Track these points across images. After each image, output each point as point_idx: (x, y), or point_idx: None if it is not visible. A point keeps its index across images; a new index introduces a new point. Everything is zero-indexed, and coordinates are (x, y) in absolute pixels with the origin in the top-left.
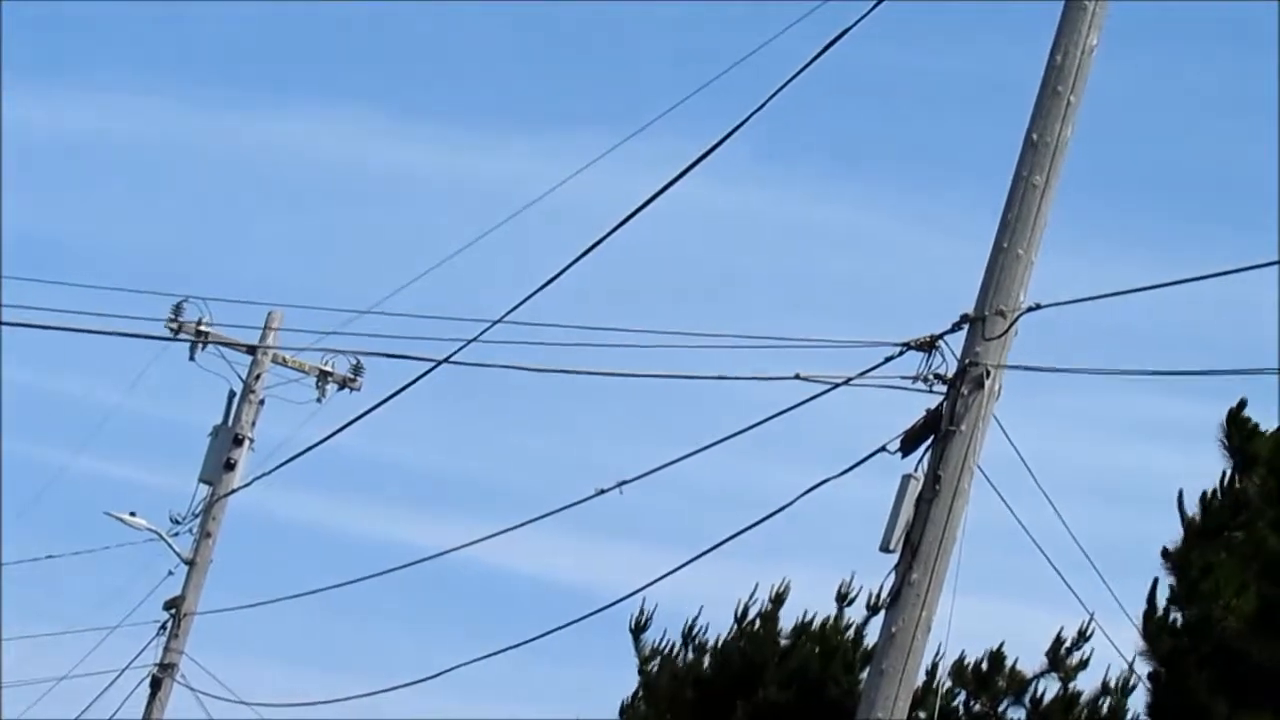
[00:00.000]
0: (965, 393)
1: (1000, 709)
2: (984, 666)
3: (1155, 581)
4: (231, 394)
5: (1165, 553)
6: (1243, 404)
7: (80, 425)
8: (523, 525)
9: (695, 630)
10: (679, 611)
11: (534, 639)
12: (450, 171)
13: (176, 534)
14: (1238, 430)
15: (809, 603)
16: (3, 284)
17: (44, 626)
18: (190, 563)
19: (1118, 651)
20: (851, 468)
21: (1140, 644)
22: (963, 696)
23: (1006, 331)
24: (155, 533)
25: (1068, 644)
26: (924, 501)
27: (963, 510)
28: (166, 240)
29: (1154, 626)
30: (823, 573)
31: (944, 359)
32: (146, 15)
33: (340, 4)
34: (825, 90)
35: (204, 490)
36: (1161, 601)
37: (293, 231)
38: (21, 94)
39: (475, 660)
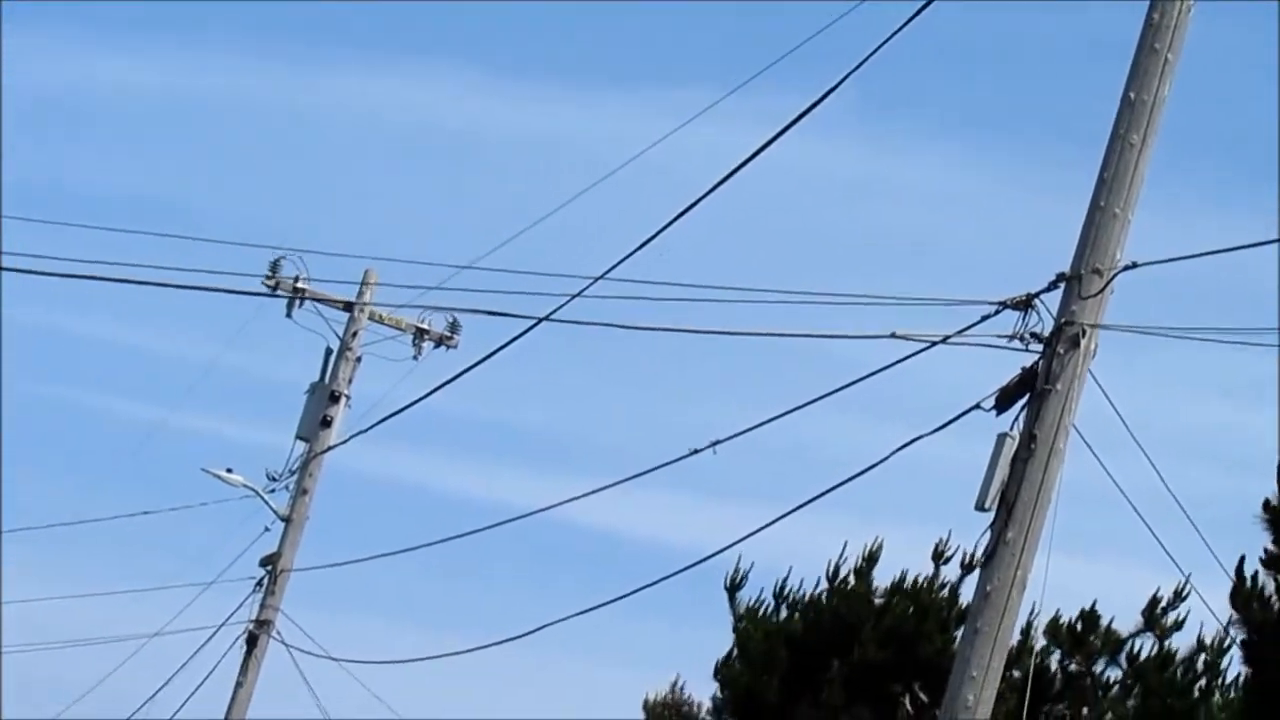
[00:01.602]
0: (1061, 351)
1: (1095, 668)
2: (1078, 626)
3: (1243, 558)
4: (328, 351)
5: (1267, 504)
6: None
7: (178, 382)
8: (618, 484)
9: (789, 589)
10: (773, 570)
11: (628, 594)
12: (549, 128)
13: (273, 491)
14: None
15: (903, 561)
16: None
17: (139, 582)
18: (287, 519)
19: (1211, 612)
20: (945, 425)
21: (1231, 612)
22: (1057, 655)
23: (1103, 290)
24: (252, 489)
25: (1163, 603)
26: (1019, 460)
27: (1058, 469)
28: (264, 197)
29: (1243, 598)
30: (917, 531)
31: (1040, 317)
32: None
33: None
34: (924, 48)
35: (301, 447)
36: (1251, 569)
37: (390, 188)
38: (119, 52)
39: (569, 617)
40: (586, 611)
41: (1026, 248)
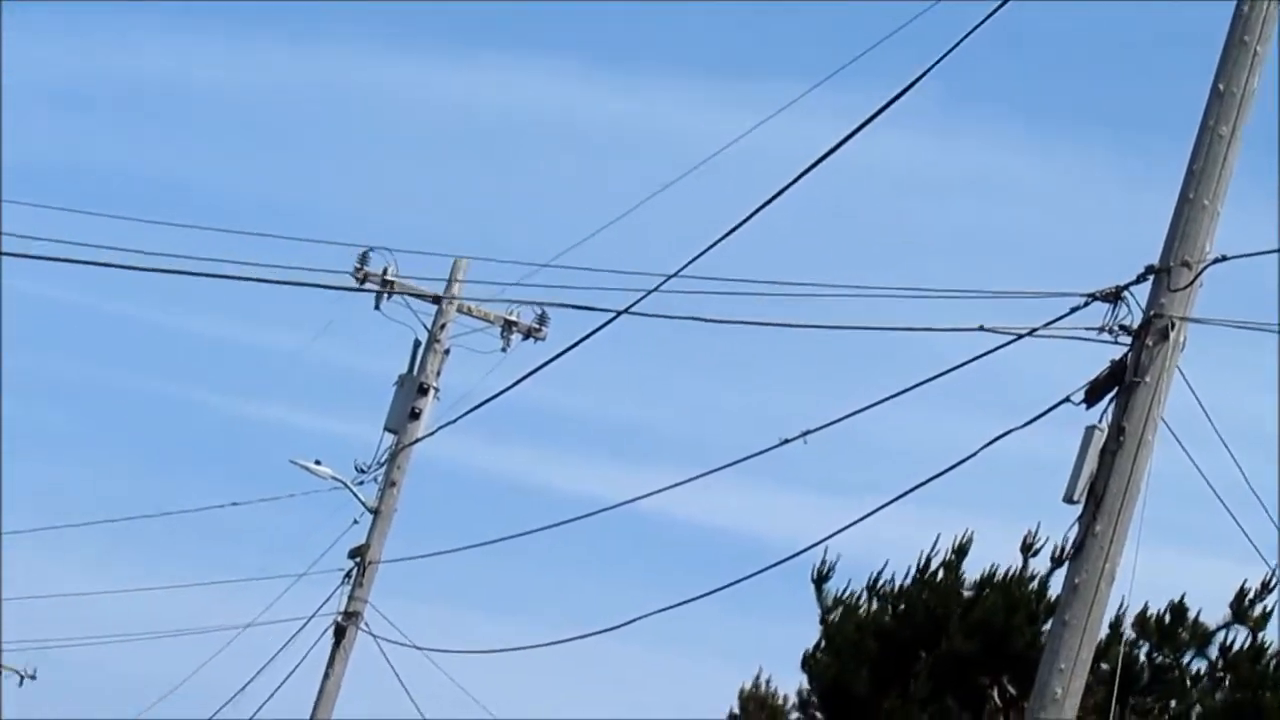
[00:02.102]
0: (1150, 344)
1: (1183, 660)
2: (1166, 618)
3: None
4: (417, 343)
5: None
6: None
7: (268, 374)
8: (705, 475)
9: (878, 581)
10: (859, 561)
11: (723, 588)
12: (637, 121)
13: (361, 482)
14: None
15: (992, 554)
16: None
17: (229, 574)
18: (375, 511)
19: None
20: (1036, 419)
21: None
22: (1146, 648)
23: (1192, 283)
24: (340, 481)
25: (1250, 595)
26: (1108, 453)
27: (1146, 462)
28: (353, 190)
29: None
30: (1006, 524)
31: (1129, 310)
32: None
33: None
34: (1008, 42)
35: (389, 439)
36: None
37: (479, 181)
38: (208, 46)
39: (664, 610)
40: (682, 604)
41: (1116, 239)
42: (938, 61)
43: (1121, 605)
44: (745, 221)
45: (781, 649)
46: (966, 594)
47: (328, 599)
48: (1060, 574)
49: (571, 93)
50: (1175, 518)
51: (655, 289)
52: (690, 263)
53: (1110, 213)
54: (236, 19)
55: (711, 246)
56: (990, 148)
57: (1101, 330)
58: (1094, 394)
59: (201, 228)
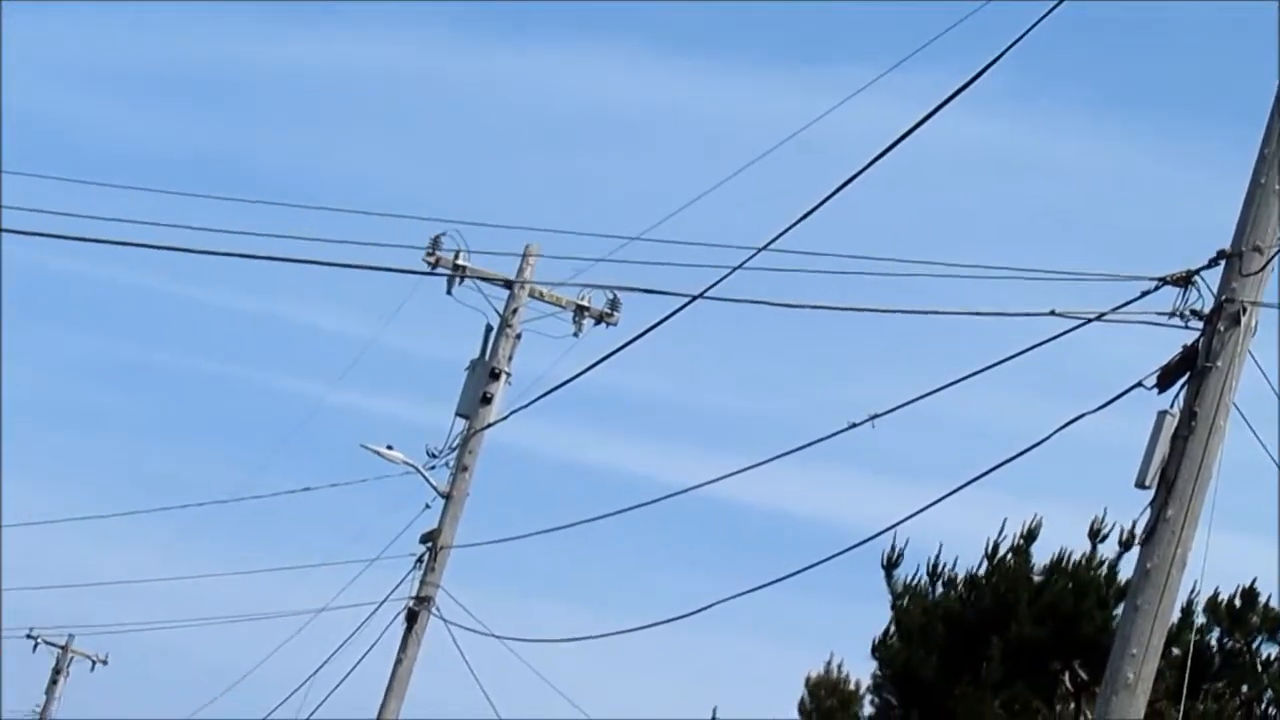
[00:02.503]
0: (1221, 329)
1: (1254, 645)
2: (1237, 603)
3: None
4: (488, 328)
5: None
6: None
7: (339, 359)
8: (775, 459)
9: (946, 566)
10: (929, 546)
11: (794, 574)
12: (708, 106)
13: (433, 467)
14: None
15: (1059, 538)
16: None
17: (301, 559)
18: (447, 496)
19: None
20: (1109, 403)
21: None
22: (1217, 633)
23: (1263, 268)
24: (412, 466)
25: None
26: (1180, 438)
27: (1218, 447)
28: (424, 174)
29: None
30: (1073, 509)
31: (1200, 295)
32: None
33: None
34: (1080, 24)
35: (461, 424)
36: None
37: (551, 166)
38: (281, 30)
39: (738, 595)
40: (755, 590)
41: (1187, 223)
42: (1015, 42)
43: (1193, 590)
44: (820, 205)
45: (853, 634)
46: (1036, 579)
47: (399, 584)
48: (1129, 559)
49: (644, 77)
50: (1246, 502)
51: (732, 272)
52: (766, 246)
53: (1182, 197)
54: (310, 3)
55: (787, 230)
56: (1062, 130)
57: (1172, 315)
58: (1167, 379)
59: (272, 202)
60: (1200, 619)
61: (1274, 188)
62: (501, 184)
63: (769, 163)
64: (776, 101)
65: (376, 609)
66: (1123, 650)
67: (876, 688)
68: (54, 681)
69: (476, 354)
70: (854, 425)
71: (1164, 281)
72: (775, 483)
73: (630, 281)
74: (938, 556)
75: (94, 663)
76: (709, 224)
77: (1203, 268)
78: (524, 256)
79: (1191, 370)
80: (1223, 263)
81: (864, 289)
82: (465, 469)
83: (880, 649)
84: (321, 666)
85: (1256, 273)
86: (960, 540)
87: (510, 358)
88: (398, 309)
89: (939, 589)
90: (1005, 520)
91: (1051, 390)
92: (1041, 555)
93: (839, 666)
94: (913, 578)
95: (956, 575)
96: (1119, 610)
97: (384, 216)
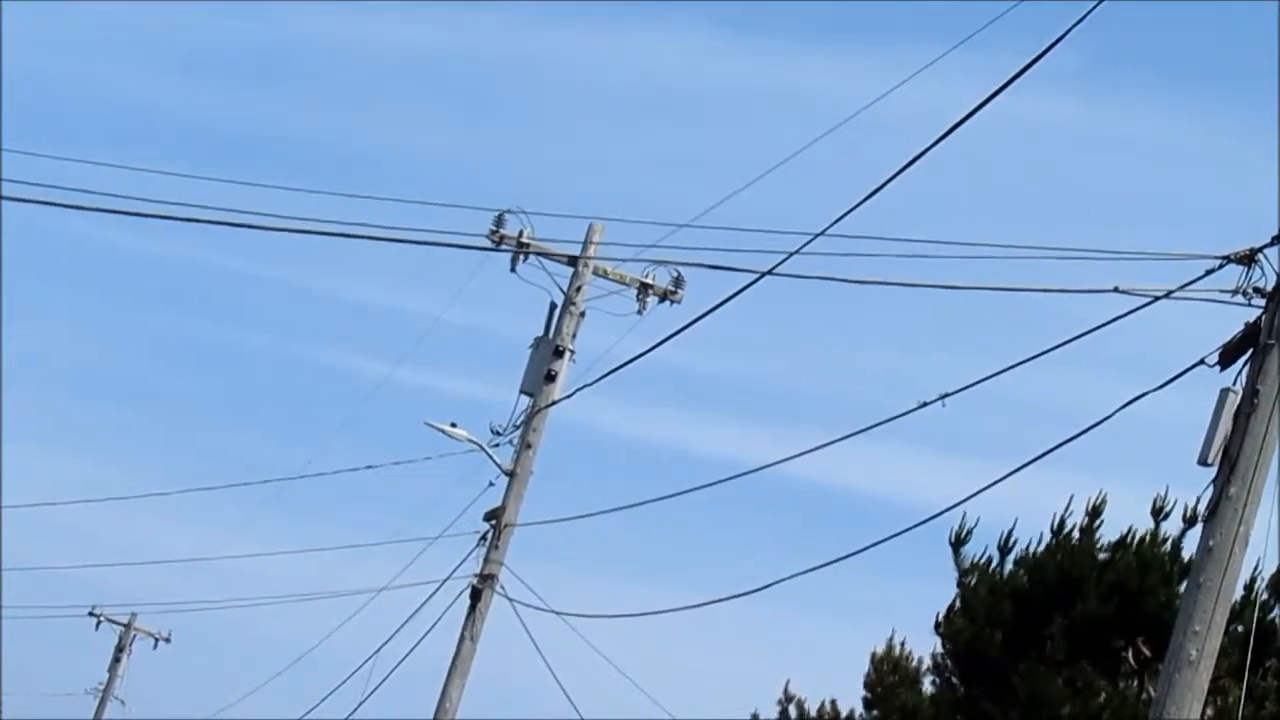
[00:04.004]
0: None
1: None
2: None
3: None
4: (552, 306)
5: None
6: None
7: (403, 336)
8: (844, 439)
9: (1012, 543)
10: (995, 523)
11: (862, 550)
12: (774, 83)
13: (497, 445)
14: None
15: (1123, 515)
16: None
17: (364, 536)
18: (511, 474)
19: None
20: (1171, 380)
21: None
22: (1279, 610)
23: None
24: (476, 444)
25: None
26: (1243, 415)
27: None
28: (489, 152)
29: None
30: (1131, 486)
31: (1264, 272)
32: None
33: None
34: (1150, 4)
35: (525, 402)
36: None
37: (615, 144)
38: (347, 10)
39: (804, 572)
40: (823, 566)
41: (1250, 202)
42: (1076, 24)
43: (1256, 567)
44: (886, 184)
45: (915, 610)
46: (1101, 556)
47: (463, 561)
48: (1192, 536)
49: (707, 55)
50: None
51: (798, 250)
52: (833, 224)
53: (1248, 174)
54: None
55: (853, 209)
56: (1128, 108)
57: (1236, 293)
58: (1229, 357)
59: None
60: (1263, 596)
61: None
62: (568, 162)
63: (835, 140)
64: (843, 80)
65: (440, 587)
66: (1185, 627)
67: (937, 666)
68: (116, 659)
69: (540, 332)
70: (925, 404)
71: (1227, 259)
72: (843, 460)
73: (695, 259)
74: (1010, 532)
75: (156, 640)
76: (775, 202)
77: (1266, 245)
78: (588, 234)
79: (1254, 348)
80: None
81: (928, 268)
82: (529, 447)
83: (944, 625)
84: (384, 644)
85: None
86: (1028, 517)
87: (574, 335)
88: (462, 287)
89: (1009, 565)
90: (1071, 497)
91: (1115, 368)
92: (1105, 533)
93: (903, 643)
94: (981, 555)
95: (1028, 551)
96: (1182, 587)
97: (447, 203)
